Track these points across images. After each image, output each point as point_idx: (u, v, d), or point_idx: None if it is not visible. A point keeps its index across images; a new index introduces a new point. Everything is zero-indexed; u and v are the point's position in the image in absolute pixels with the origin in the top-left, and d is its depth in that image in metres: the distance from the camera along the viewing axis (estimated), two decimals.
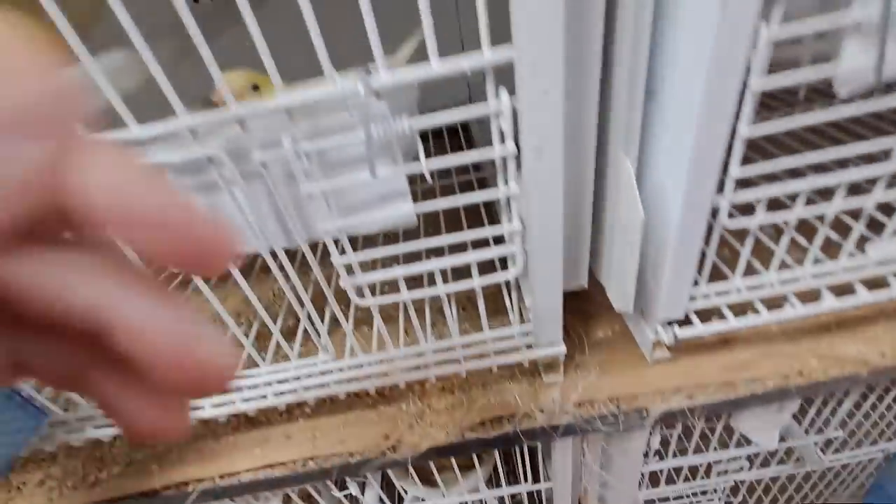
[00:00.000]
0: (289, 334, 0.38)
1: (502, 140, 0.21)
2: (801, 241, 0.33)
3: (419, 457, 0.33)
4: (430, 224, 0.32)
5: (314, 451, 0.34)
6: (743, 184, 0.24)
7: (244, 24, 0.18)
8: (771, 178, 0.26)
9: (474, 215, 0.42)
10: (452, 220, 0.40)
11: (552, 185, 0.22)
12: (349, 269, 0.25)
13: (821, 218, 0.27)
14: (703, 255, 0.28)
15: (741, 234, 0.29)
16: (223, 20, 0.34)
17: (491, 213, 0.43)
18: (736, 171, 0.23)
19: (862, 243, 0.30)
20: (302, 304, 0.31)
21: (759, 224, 0.26)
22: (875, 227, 0.30)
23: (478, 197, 0.23)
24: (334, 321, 0.38)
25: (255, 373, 0.32)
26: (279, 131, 0.20)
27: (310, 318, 0.30)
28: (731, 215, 0.25)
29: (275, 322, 0.36)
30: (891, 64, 0.20)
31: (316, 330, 0.31)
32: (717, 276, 0.31)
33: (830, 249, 0.31)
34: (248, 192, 0.22)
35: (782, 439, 0.52)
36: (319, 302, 0.33)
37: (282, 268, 0.26)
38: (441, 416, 0.35)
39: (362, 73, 0.18)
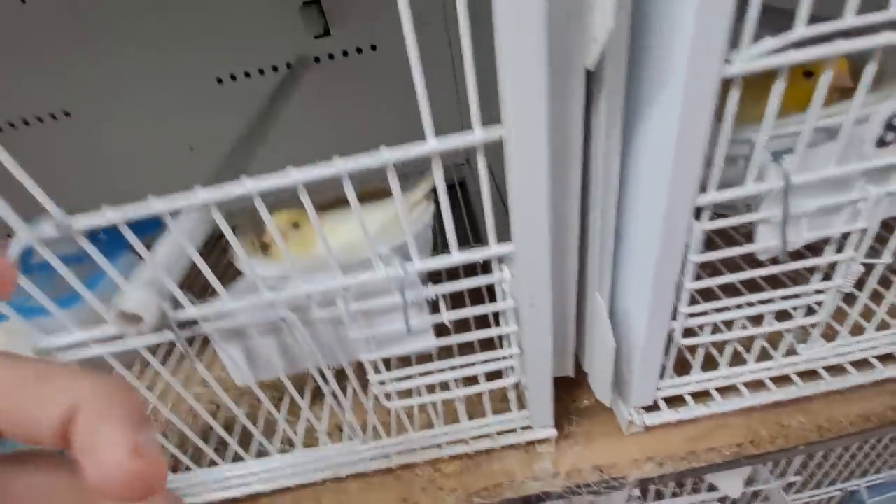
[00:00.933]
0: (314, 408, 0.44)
1: (504, 298, 0.27)
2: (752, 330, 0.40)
3: None
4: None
5: None
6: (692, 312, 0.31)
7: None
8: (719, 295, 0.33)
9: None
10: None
11: (543, 325, 0.28)
12: (381, 381, 0.31)
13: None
14: (668, 352, 0.35)
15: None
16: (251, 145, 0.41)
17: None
18: (684, 308, 0.30)
19: (803, 334, 0.37)
20: (336, 398, 0.37)
21: (706, 342, 0.32)
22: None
23: (490, 332, 0.29)
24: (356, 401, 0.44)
25: (290, 457, 0.38)
26: (333, 294, 0.26)
27: (336, 398, 0.36)
28: (684, 334, 0.32)
29: (301, 396, 0.42)
30: (791, 244, 0.27)
31: (349, 423, 0.37)
32: (683, 365, 0.38)
33: (776, 339, 0.38)
34: (309, 334, 0.28)
35: (750, 482, 0.58)
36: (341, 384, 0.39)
37: (324, 377, 0.32)
38: (450, 480, 0.41)
39: (403, 263, 0.25)
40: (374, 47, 0.65)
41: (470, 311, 0.28)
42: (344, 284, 0.25)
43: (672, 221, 0.25)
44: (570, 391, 0.46)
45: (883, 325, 0.37)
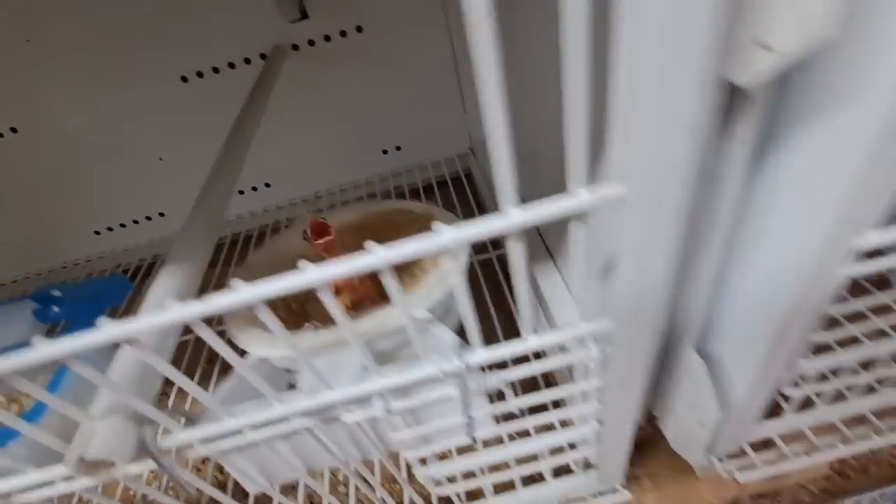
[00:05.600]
0: None
1: (586, 377, 0.21)
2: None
3: None
4: None
5: None
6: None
7: None
8: None
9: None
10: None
11: (632, 402, 0.22)
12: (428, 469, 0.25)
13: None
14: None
15: None
16: None
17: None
18: (804, 361, 0.24)
19: None
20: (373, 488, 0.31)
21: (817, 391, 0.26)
22: None
23: (566, 414, 0.23)
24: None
25: None
26: (368, 391, 0.20)
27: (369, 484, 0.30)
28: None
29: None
30: None
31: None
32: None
33: None
34: (332, 435, 0.22)
35: None
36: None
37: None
38: None
39: (461, 351, 0.18)
40: (359, 29, 0.56)
41: (543, 397, 0.21)
42: (385, 386, 0.19)
43: (822, 269, 0.19)
44: None
45: None
